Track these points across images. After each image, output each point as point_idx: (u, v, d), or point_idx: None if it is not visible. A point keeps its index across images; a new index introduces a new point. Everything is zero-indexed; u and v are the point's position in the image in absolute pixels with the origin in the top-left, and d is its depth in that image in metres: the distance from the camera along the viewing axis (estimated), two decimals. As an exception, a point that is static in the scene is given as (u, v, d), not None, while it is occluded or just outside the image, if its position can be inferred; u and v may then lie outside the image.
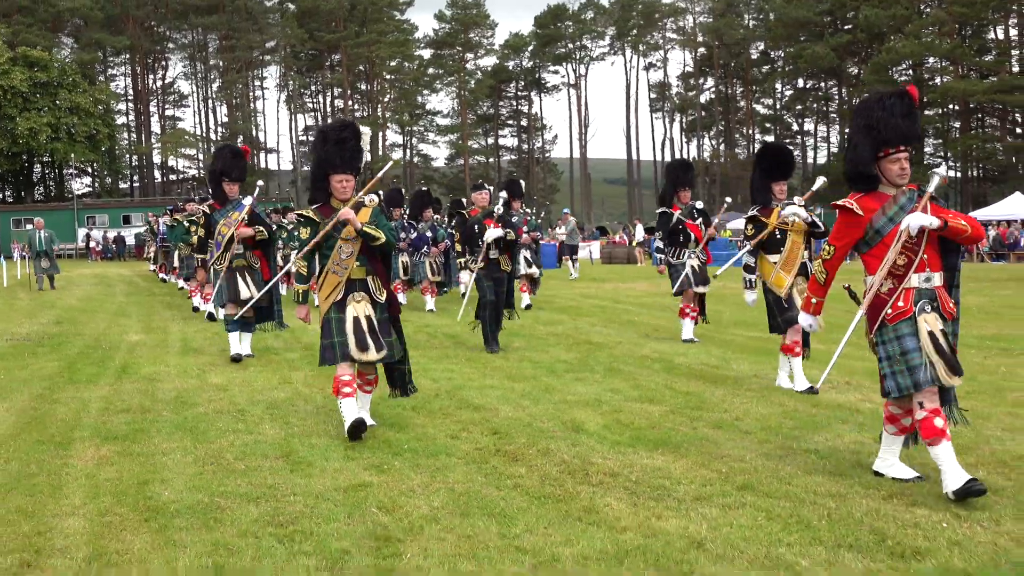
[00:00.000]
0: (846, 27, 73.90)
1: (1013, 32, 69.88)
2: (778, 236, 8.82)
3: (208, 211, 11.17)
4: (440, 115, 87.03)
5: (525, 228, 16.71)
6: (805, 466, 6.10)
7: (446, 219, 20.27)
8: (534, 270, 17.26)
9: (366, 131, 7.11)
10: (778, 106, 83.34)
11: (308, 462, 6.33)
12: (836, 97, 79.64)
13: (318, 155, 7.02)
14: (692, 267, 11.99)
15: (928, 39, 66.91)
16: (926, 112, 69.59)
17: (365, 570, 4.37)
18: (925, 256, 5.50)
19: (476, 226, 11.77)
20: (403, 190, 21.75)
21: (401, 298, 17.38)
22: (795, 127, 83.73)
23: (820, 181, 9.69)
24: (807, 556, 4.49)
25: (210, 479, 5.93)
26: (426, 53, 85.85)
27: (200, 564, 4.46)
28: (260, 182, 13.67)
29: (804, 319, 6.03)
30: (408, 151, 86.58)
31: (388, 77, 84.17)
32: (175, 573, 4.35)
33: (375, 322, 6.94)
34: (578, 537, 4.78)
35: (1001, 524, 4.91)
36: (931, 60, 69.50)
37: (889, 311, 5.50)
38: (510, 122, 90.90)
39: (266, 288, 10.88)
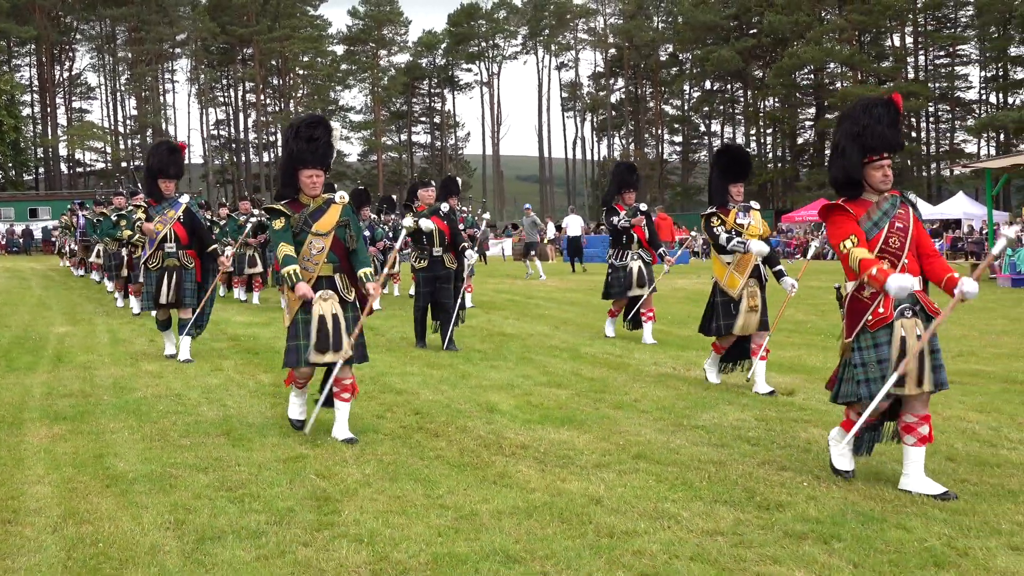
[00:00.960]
0: (751, 32, 76.01)
1: (909, 40, 72.69)
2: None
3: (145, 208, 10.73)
4: (353, 111, 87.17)
5: (461, 225, 17.24)
6: (692, 439, 6.93)
7: (379, 217, 20.62)
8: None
9: (336, 127, 7.05)
10: (686, 107, 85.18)
11: (247, 438, 6.95)
12: (742, 99, 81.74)
13: (288, 150, 6.85)
14: (633, 268, 12.09)
15: (829, 45, 69.23)
16: (826, 116, 72.05)
17: (310, 523, 5.04)
18: (906, 261, 5.55)
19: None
20: (335, 186, 21.95)
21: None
22: (702, 128, 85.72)
23: (812, 248, 10.43)
24: (688, 509, 5.28)
25: (159, 453, 6.53)
26: (339, 49, 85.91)
27: (163, 520, 5.08)
28: (201, 190, 13.88)
29: (894, 281, 5.30)
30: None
31: (301, 72, 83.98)
32: (143, 527, 4.97)
33: (341, 321, 6.78)
34: (494, 496, 5.51)
35: (853, 484, 5.78)
36: (832, 65, 71.87)
37: (870, 317, 5.56)
38: (423, 119, 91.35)
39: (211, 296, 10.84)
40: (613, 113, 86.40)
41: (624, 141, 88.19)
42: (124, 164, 78.13)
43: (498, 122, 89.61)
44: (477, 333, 13.18)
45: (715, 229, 8.88)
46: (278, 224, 6.81)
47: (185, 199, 10.78)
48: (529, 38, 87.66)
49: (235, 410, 7.99)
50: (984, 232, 33.24)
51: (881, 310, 5.52)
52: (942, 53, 72.15)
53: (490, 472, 6.04)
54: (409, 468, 6.13)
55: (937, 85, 71.29)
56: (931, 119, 73.74)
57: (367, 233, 17.32)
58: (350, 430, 6.93)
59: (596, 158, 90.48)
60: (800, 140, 76.81)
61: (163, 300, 10.50)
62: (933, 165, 72.54)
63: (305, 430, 7.06)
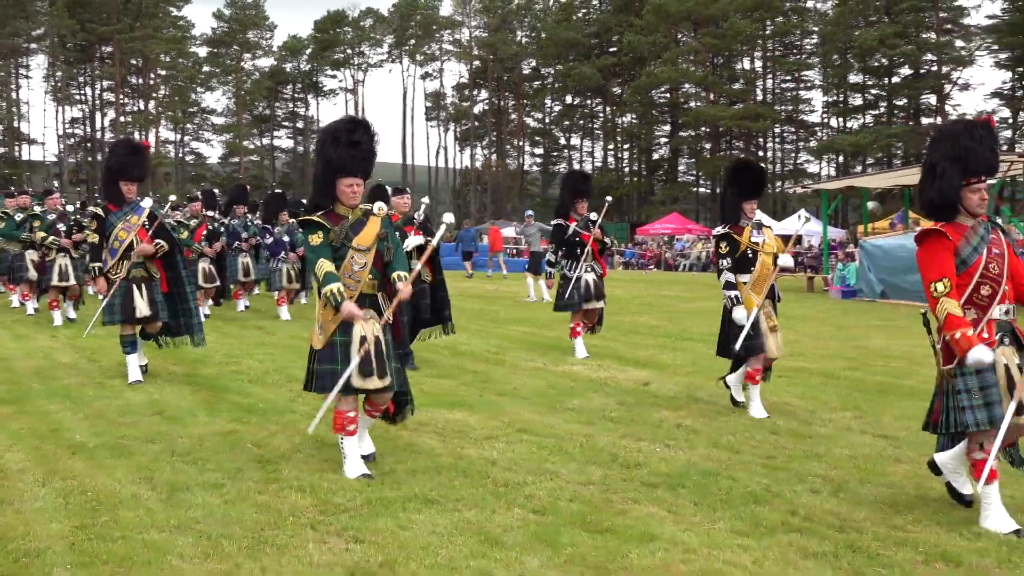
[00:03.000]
0: (611, 50, 78.58)
1: (758, 64, 76.50)
2: (750, 256, 8.56)
3: (103, 213, 9.77)
4: (215, 114, 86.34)
5: None
6: (565, 418, 8.24)
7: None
8: None
9: (376, 130, 6.55)
10: (547, 120, 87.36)
11: (179, 417, 7.94)
12: (601, 115, 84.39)
13: (326, 156, 6.34)
14: (587, 281, 11.79)
15: (684, 66, 72.29)
16: (680, 133, 75.24)
17: (259, 479, 6.12)
18: (1006, 288, 5.49)
19: (397, 233, 11.20)
20: (247, 188, 21.16)
21: (240, 304, 17.71)
22: (562, 141, 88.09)
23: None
24: (566, 468, 6.56)
25: (106, 428, 7.47)
26: (202, 51, 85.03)
27: (134, 477, 6.09)
28: (173, 196, 13.56)
29: (976, 353, 5.25)
30: (180, 149, 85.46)
31: (162, 73, 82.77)
32: (119, 481, 5.96)
33: (383, 344, 6.30)
34: (406, 459, 6.68)
35: (695, 449, 7.18)
36: (686, 86, 75.00)
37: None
38: (286, 123, 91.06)
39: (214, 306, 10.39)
40: (476, 123, 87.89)
41: (486, 152, 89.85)
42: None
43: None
44: (362, 333, 14.27)
45: (721, 263, 8.62)
46: (316, 239, 6.30)
47: (148, 203, 9.89)
48: (395, 47, 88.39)
49: (159, 395, 8.91)
50: (821, 248, 35.73)
51: (985, 335, 5.41)
52: (788, 78, 76.12)
53: (399, 443, 7.21)
54: (330, 439, 7.18)
55: (783, 108, 75.22)
56: (777, 140, 77.74)
57: (286, 239, 16.89)
58: (273, 411, 7.72)
59: (458, 167, 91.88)
60: (655, 156, 79.74)
61: (139, 315, 9.60)
62: (778, 183, 76.39)
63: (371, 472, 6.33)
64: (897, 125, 66.23)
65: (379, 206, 6.49)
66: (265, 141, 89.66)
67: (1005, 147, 59.75)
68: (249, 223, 17.87)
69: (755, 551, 4.95)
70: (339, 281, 6.19)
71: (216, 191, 19.44)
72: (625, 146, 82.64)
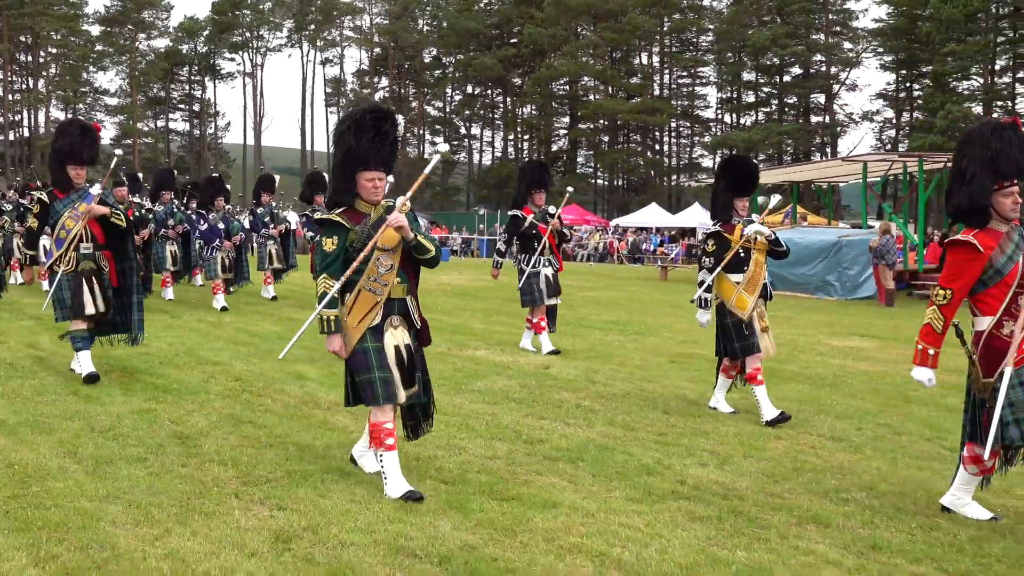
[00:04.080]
0: (512, 41, 79.26)
1: (656, 59, 78.00)
2: (742, 255, 8.30)
3: (48, 199, 9.02)
4: (108, 94, 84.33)
5: (268, 220, 17.71)
6: (471, 399, 8.67)
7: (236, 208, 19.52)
8: (277, 264, 17.62)
9: (400, 120, 6.19)
10: (448, 109, 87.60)
11: (95, 397, 8.13)
12: (501, 105, 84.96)
13: (346, 148, 5.78)
14: (546, 276, 11.56)
15: (583, 59, 73.34)
16: (579, 126, 76.24)
17: (180, 453, 6.40)
18: None
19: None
20: (175, 172, 20.30)
21: (168, 293, 16.91)
22: (463, 131, 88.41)
23: (775, 199, 9.03)
24: (473, 444, 6.98)
25: (23, 407, 7.64)
26: (95, 29, 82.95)
27: (59, 451, 6.32)
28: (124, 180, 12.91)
29: (922, 373, 5.47)
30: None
31: (52, 51, 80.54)
32: (44, 456, 6.19)
33: (413, 353, 5.93)
34: (322, 436, 7.03)
35: (594, 427, 7.68)
36: (585, 79, 76.06)
37: (1014, 354, 5.18)
38: (182, 106, 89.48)
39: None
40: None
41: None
42: None
43: (260, 114, 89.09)
44: (267, 318, 14.49)
45: (704, 260, 8.53)
46: (329, 244, 5.75)
47: (96, 189, 9.04)
48: (295, 31, 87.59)
49: (70, 377, 9.04)
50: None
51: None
52: (684, 73, 77.91)
53: (314, 420, 7.55)
54: (246, 417, 7.55)
55: (679, 103, 76.92)
56: (673, 134, 79.37)
57: (221, 225, 16.41)
58: (188, 390, 8.09)
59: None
60: (555, 147, 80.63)
61: (91, 310, 8.89)
62: (674, 177, 78.00)
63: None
64: (788, 123, 68.37)
65: (402, 201, 5.81)
66: (160, 123, 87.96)
67: (888, 146, 62.29)
68: (176, 209, 17.38)
69: (647, 515, 5.45)
70: (336, 309, 5.73)
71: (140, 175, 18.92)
72: (525, 137, 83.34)
